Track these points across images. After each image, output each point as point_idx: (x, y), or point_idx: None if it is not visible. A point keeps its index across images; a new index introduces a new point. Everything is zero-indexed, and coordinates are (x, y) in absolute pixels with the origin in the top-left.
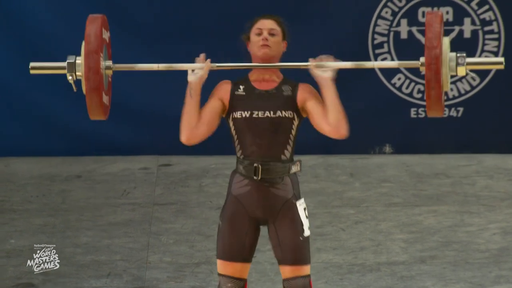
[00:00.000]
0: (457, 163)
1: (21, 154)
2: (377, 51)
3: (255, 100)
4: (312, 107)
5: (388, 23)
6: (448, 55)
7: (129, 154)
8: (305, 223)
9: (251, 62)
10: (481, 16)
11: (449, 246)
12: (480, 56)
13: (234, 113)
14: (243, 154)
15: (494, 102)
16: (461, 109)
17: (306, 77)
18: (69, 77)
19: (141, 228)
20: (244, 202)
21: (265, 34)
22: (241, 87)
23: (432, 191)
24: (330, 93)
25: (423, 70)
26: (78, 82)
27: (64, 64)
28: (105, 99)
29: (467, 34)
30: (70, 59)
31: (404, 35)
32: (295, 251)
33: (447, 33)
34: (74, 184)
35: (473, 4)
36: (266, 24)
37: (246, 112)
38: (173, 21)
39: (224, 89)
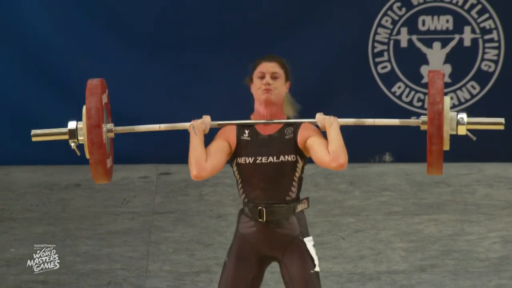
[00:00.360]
0: (457, 171)
1: (20, 163)
2: (377, 60)
3: (259, 146)
4: (312, 142)
5: (388, 31)
6: (449, 114)
7: (129, 162)
8: (315, 258)
9: (254, 103)
10: (481, 25)
11: (449, 255)
12: (480, 64)
13: (238, 159)
14: (247, 198)
15: (494, 111)
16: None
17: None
18: (72, 144)
19: (141, 237)
20: (251, 240)
21: (267, 79)
22: (246, 132)
23: (432, 200)
24: (333, 130)
25: (424, 128)
26: (81, 145)
27: (65, 130)
28: (109, 164)
29: (467, 43)
30: (71, 125)
31: (404, 44)
32: (307, 284)
33: (447, 41)
34: (74, 192)
35: (473, 12)
36: (269, 68)
37: (250, 158)
38: (172, 31)
39: (230, 133)
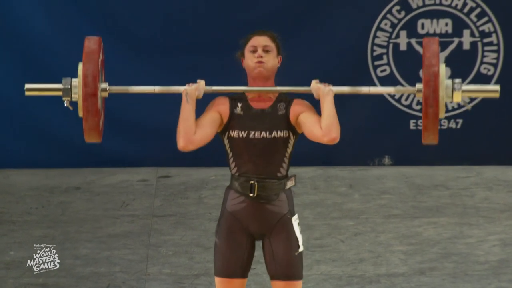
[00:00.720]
0: (456, 174)
1: (20, 166)
2: (376, 63)
3: (252, 120)
4: (304, 117)
5: (388, 35)
6: (445, 81)
7: (128, 165)
8: (300, 238)
9: (246, 78)
10: (480, 28)
11: (448, 258)
12: (479, 68)
13: (230, 132)
14: (238, 172)
15: (493, 114)
16: (460, 120)
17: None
18: (65, 100)
19: (140, 240)
20: (240, 218)
21: (259, 52)
22: (239, 105)
23: (432, 203)
24: (327, 103)
25: (419, 96)
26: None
27: (59, 86)
28: (101, 125)
29: (466, 46)
30: (66, 83)
31: (403, 47)
32: (289, 266)
33: (446, 45)
34: (74, 195)
35: (472, 16)
36: (260, 41)
37: (243, 132)
38: (172, 34)
39: (223, 105)
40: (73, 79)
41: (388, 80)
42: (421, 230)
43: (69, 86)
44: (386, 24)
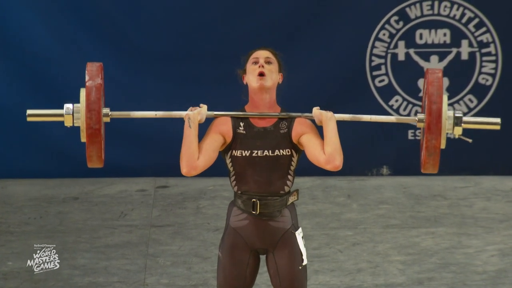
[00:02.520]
0: (454, 184)
1: (18, 176)
2: (374, 73)
3: (255, 139)
4: (307, 139)
5: (386, 45)
6: (447, 113)
7: (126, 176)
8: (304, 252)
9: (247, 94)
10: (479, 38)
11: (446, 268)
12: (477, 78)
13: (233, 151)
14: (240, 190)
15: None
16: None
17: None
18: (67, 124)
19: (138, 250)
20: (243, 234)
21: (261, 62)
22: (241, 124)
23: (430, 213)
24: (330, 129)
25: (420, 125)
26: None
27: (61, 111)
28: (103, 151)
29: (464, 56)
30: (68, 109)
31: (401, 57)
32: (293, 280)
33: (444, 55)
34: (72, 206)
35: (471, 26)
36: (262, 54)
37: (246, 152)
38: (169, 43)
39: (225, 125)
40: (75, 105)
41: (386, 90)
42: (419, 240)
43: (71, 113)
44: (384, 35)
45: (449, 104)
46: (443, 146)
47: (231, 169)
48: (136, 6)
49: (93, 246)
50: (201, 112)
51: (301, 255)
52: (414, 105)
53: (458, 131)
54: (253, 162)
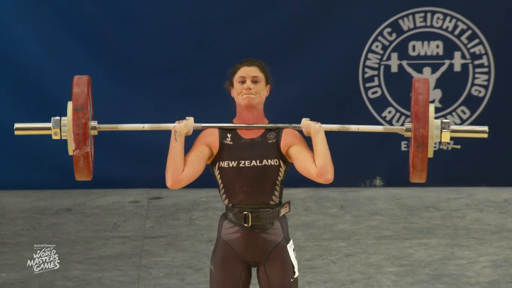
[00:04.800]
0: (447, 196)
1: (11, 188)
2: (367, 85)
3: (242, 150)
4: (296, 151)
5: (379, 56)
6: (434, 122)
7: (119, 187)
8: (295, 264)
9: (235, 107)
10: (471, 50)
11: (439, 279)
12: (470, 89)
13: (221, 162)
14: (231, 202)
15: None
16: (451, 142)
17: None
18: (55, 137)
19: (132, 261)
20: (235, 247)
21: (248, 83)
22: (229, 135)
23: (423, 224)
24: (320, 141)
25: (407, 135)
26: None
27: (49, 125)
28: (91, 163)
29: (457, 68)
30: (55, 122)
31: (394, 69)
32: None
33: (437, 67)
34: (65, 217)
35: (463, 38)
36: (249, 72)
37: (233, 162)
38: (161, 56)
39: (212, 136)
40: (63, 118)
41: (379, 102)
42: (412, 252)
43: (59, 127)
44: (377, 46)
45: (443, 116)
46: (430, 155)
47: (220, 181)
48: (127, 20)
49: (86, 257)
50: (187, 124)
51: (293, 267)
52: (407, 116)
53: (446, 137)
54: (241, 173)
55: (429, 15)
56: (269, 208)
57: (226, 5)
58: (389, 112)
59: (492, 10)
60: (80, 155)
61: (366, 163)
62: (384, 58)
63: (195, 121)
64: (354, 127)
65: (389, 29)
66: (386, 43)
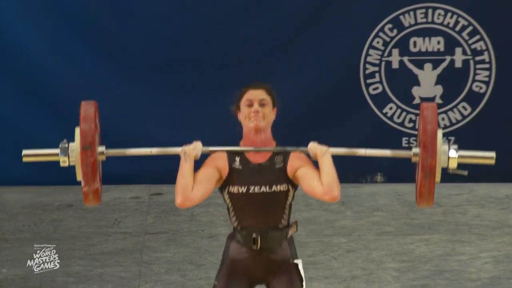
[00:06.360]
0: (448, 192)
1: (12, 184)
2: (368, 81)
3: (251, 175)
4: (303, 173)
5: (380, 53)
6: (442, 147)
7: (121, 183)
8: (303, 279)
9: (242, 130)
10: (472, 46)
11: (441, 275)
12: (471, 86)
13: (230, 187)
14: (240, 225)
15: (485, 132)
16: (452, 138)
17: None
18: (63, 165)
19: (133, 257)
20: (243, 266)
21: (255, 107)
22: (237, 159)
23: (424, 220)
24: (326, 162)
25: (415, 160)
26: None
27: (57, 151)
28: (99, 187)
29: (458, 64)
30: (63, 147)
31: (395, 65)
32: None
33: (438, 63)
34: (66, 213)
35: (464, 34)
36: (256, 95)
37: (243, 188)
38: (164, 52)
39: (221, 160)
40: (71, 144)
41: (380, 98)
42: (413, 247)
43: (67, 153)
44: (378, 42)
45: (444, 112)
46: (438, 180)
47: (229, 204)
48: (130, 16)
49: (88, 253)
50: (196, 147)
51: (301, 281)
52: (408, 112)
53: (453, 163)
54: (250, 198)
55: (430, 11)
56: (277, 230)
57: (229, 1)
58: (390, 108)
59: (493, 6)
60: (90, 191)
61: (367, 159)
62: (385, 54)
63: (198, 122)
64: (361, 151)
65: (390, 25)
66: (387, 39)
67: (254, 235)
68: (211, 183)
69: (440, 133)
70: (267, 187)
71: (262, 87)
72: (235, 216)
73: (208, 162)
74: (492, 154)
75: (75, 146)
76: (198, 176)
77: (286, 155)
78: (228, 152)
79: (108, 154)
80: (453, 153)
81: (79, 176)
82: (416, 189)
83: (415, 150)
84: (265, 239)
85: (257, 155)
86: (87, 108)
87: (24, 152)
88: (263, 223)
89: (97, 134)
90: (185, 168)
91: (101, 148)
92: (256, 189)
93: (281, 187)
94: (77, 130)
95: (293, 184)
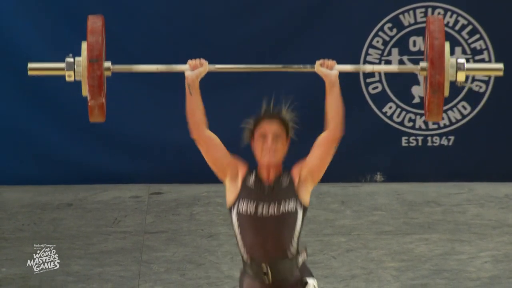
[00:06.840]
0: (448, 191)
1: (12, 183)
2: (368, 80)
3: (260, 195)
4: (307, 161)
5: (379, 52)
6: (450, 60)
7: (120, 182)
8: None
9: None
10: (472, 45)
11: (440, 274)
12: (471, 83)
13: (239, 205)
14: (250, 257)
15: (484, 131)
16: (452, 137)
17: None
18: (69, 79)
19: (132, 257)
20: None
21: (269, 142)
22: (252, 177)
23: (423, 219)
24: (334, 90)
25: (423, 74)
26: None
27: (62, 65)
28: (105, 109)
29: None
30: (69, 65)
31: (395, 64)
32: None
33: None
34: (65, 212)
35: (464, 33)
36: (270, 129)
37: (251, 208)
38: (165, 50)
39: (241, 169)
40: (77, 58)
41: (379, 97)
42: (413, 247)
43: (73, 66)
44: (378, 42)
45: (443, 111)
46: (446, 94)
47: (238, 231)
48: (130, 14)
49: (87, 252)
50: (200, 74)
51: None
52: (408, 112)
53: (461, 77)
54: (259, 223)
55: (429, 10)
56: (287, 260)
57: (229, 1)
58: (390, 107)
59: (492, 5)
60: (95, 105)
61: (366, 158)
62: (385, 53)
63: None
64: (369, 67)
65: (389, 24)
66: (387, 39)
67: (264, 268)
68: (219, 151)
69: (447, 46)
70: (275, 210)
71: (276, 118)
72: (243, 244)
73: (234, 157)
74: (500, 65)
75: (81, 59)
76: (218, 141)
77: (289, 172)
78: (248, 169)
79: (114, 69)
80: (461, 66)
81: (85, 91)
82: (425, 104)
83: (423, 64)
84: (276, 271)
85: (267, 177)
86: (95, 21)
87: (30, 65)
88: (272, 252)
89: (104, 48)
90: (192, 101)
91: (107, 63)
92: (264, 212)
93: (290, 208)
94: (84, 44)
95: (301, 203)
